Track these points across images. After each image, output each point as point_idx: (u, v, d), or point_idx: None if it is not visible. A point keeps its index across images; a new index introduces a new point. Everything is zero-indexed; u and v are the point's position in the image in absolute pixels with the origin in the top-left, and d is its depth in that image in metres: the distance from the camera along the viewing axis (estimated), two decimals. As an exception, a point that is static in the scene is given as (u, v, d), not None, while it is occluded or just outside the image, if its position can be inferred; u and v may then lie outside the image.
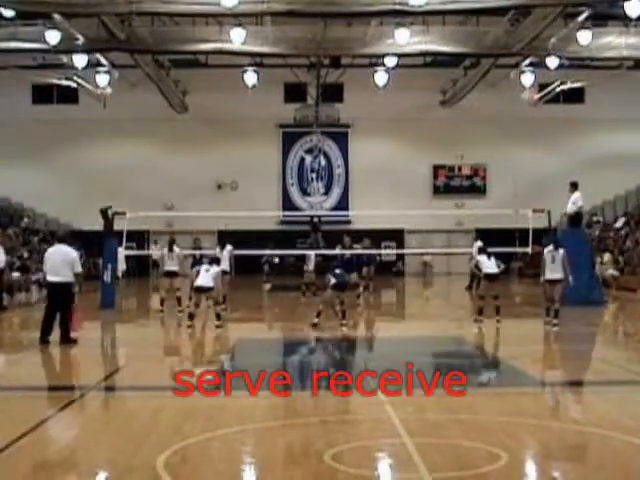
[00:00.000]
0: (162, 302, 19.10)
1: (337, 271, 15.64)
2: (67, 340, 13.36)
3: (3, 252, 21.07)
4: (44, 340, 13.36)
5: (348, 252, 21.59)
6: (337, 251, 21.45)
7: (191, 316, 16.09)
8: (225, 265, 18.53)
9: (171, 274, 19.02)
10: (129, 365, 12.05)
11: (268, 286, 26.77)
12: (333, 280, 15.40)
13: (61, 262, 13.41)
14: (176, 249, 19.29)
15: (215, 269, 16.41)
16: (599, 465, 6.34)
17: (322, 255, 23.36)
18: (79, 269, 13.53)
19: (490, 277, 16.69)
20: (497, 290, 16.74)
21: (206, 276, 16.10)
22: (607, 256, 28.06)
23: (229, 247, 19.13)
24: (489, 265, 16.70)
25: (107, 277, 20.29)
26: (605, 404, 8.59)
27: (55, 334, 13.45)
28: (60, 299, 13.47)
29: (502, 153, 38.12)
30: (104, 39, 26.15)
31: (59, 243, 14.01)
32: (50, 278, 13.57)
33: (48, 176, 37.40)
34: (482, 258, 17.03)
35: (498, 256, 17.16)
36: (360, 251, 22.86)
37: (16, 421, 7.82)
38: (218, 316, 16.05)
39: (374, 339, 15.67)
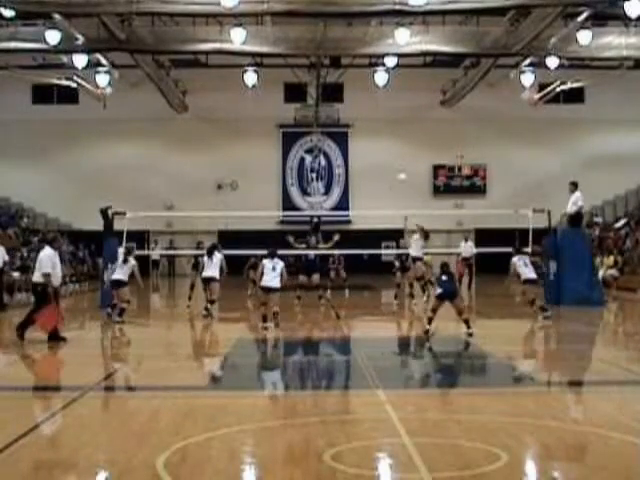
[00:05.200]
0: (112, 307, 18.00)
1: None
2: (20, 331, 13.83)
3: (3, 251, 21.20)
4: (55, 337, 13.66)
5: (312, 252, 21.57)
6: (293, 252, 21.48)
7: (264, 318, 15.82)
8: (215, 272, 18.26)
9: (119, 283, 17.98)
10: (129, 365, 12.05)
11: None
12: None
13: (36, 263, 14.17)
14: (131, 260, 18.14)
15: (280, 264, 15.96)
16: (599, 465, 6.34)
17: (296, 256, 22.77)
18: (45, 270, 13.79)
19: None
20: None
21: (273, 275, 15.78)
22: (610, 259, 28.05)
23: (219, 255, 18.27)
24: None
25: (107, 277, 20.25)
26: (605, 404, 8.59)
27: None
28: (35, 298, 14.19)
29: (502, 153, 38.13)
30: (104, 39, 26.17)
31: (46, 245, 14.54)
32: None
33: (48, 176, 37.42)
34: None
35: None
36: (325, 251, 22.67)
37: (16, 421, 7.82)
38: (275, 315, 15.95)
39: (374, 339, 15.64)
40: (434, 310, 14.72)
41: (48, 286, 13.77)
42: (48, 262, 13.83)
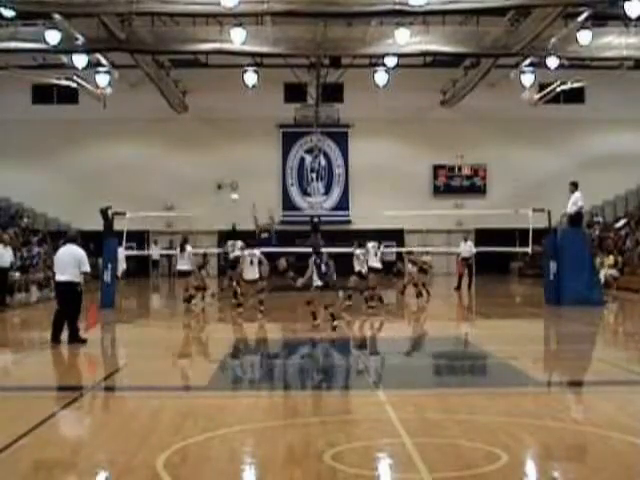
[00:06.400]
0: (190, 298, 19.72)
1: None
2: (76, 340, 13.36)
3: (11, 252, 21.33)
4: (55, 339, 13.39)
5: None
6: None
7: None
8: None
9: (183, 273, 19.44)
10: (129, 365, 12.04)
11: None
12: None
13: (68, 261, 13.44)
14: (188, 248, 19.60)
15: (257, 255, 17.48)
16: (599, 465, 6.34)
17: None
18: (86, 268, 13.49)
19: (375, 270, 18.00)
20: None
21: (251, 268, 17.30)
22: (610, 258, 28.08)
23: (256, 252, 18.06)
24: (373, 258, 17.85)
25: (107, 277, 20.28)
26: (605, 404, 8.59)
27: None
28: (66, 298, 13.50)
29: (502, 153, 38.14)
30: (104, 39, 26.18)
31: (69, 243, 13.90)
32: (57, 277, 13.66)
33: (48, 176, 37.41)
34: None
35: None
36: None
37: (16, 421, 7.81)
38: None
39: (374, 339, 15.65)
40: (310, 303, 15.62)
41: (81, 285, 13.49)
42: (86, 260, 13.57)
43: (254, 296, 18.06)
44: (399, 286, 24.76)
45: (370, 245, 18.96)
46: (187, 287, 19.88)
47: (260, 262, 17.51)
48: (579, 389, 10.12)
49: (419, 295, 22.17)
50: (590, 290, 20.12)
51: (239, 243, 19.18)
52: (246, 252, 17.55)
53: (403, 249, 30.19)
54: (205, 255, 22.54)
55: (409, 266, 23.56)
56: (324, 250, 16.08)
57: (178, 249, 20.20)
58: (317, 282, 15.27)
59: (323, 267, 15.27)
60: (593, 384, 10.25)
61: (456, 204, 38.17)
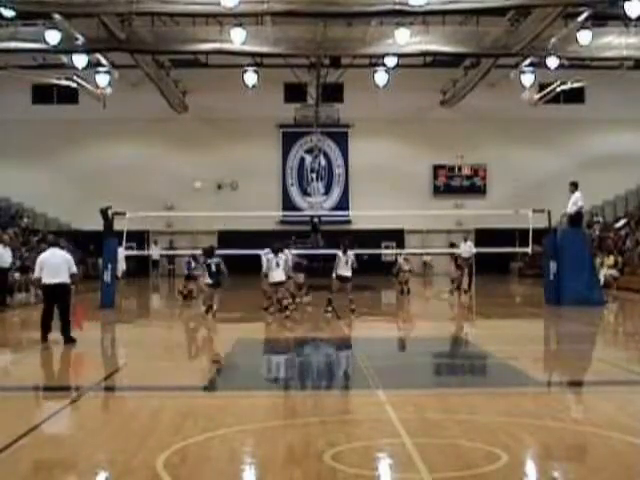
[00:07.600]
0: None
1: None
2: (70, 340, 13.45)
3: (10, 253, 21.34)
4: (45, 339, 13.53)
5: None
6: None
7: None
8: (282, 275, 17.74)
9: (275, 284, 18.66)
10: (129, 365, 12.04)
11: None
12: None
13: (60, 264, 13.69)
14: (282, 256, 18.19)
15: (283, 258, 17.43)
16: (599, 465, 6.34)
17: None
18: (75, 270, 13.93)
19: (342, 278, 17.96)
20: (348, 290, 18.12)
21: (277, 270, 17.17)
22: (610, 258, 28.09)
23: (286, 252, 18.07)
24: (343, 267, 17.90)
25: (107, 277, 20.28)
26: (605, 404, 8.58)
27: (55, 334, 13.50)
28: (59, 299, 13.70)
29: (502, 153, 38.16)
30: (104, 39, 26.20)
31: (54, 247, 14.33)
32: (49, 280, 13.70)
33: (48, 176, 37.43)
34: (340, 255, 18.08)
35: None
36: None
37: (16, 421, 7.81)
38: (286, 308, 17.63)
39: (374, 339, 15.64)
40: (208, 299, 17.56)
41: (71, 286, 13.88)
42: (72, 262, 13.91)
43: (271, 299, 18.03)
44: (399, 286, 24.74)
45: (341, 254, 18.28)
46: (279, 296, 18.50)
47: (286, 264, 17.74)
48: (579, 389, 10.12)
49: (406, 292, 23.99)
50: (590, 290, 20.12)
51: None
52: (270, 256, 17.44)
53: (453, 249, 28.33)
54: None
55: (403, 263, 24.04)
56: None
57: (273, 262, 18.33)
58: (207, 280, 17.48)
59: (213, 267, 17.31)
60: (593, 384, 10.25)
61: (456, 204, 38.18)
